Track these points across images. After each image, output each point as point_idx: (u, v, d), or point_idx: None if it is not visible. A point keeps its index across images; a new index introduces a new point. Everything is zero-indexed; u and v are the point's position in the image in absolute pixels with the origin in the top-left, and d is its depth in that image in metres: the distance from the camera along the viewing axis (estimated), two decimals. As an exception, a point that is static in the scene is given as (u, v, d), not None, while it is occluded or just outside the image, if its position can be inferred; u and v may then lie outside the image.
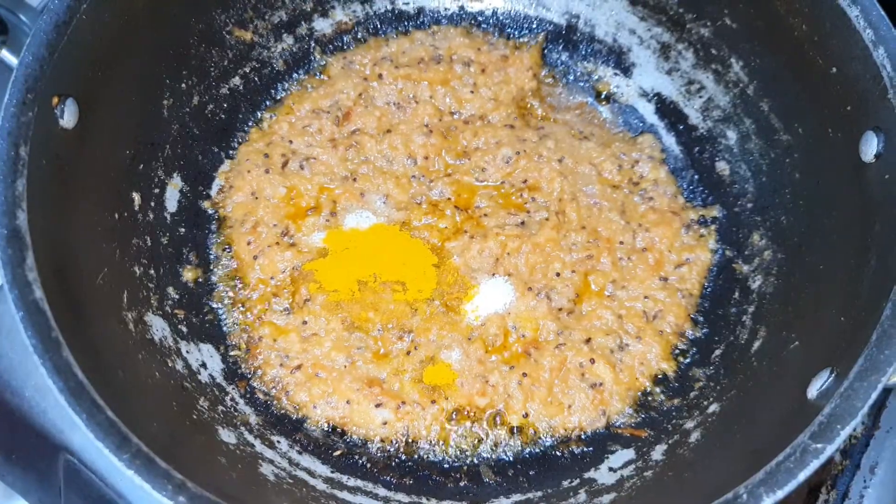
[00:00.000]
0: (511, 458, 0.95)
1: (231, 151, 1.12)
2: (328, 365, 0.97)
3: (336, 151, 1.11)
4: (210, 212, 1.07)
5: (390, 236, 1.06)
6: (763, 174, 1.04)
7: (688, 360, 1.01)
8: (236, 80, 1.12)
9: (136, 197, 0.95)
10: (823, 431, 0.66)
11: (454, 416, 0.96)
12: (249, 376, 0.98)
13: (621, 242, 1.06)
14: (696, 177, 1.13)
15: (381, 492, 0.89)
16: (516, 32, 1.23)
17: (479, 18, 1.23)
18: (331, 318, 1.00)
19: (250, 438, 0.89)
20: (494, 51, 1.18)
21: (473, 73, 1.17)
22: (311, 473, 0.88)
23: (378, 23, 1.21)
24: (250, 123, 1.14)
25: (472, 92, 1.15)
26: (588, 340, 0.99)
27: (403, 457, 0.94)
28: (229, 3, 1.08)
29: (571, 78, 1.22)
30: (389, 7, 1.21)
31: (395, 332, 1.00)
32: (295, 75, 1.18)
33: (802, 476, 0.65)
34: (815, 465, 0.65)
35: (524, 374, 0.97)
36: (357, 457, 0.93)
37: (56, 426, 0.99)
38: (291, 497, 0.83)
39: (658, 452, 0.92)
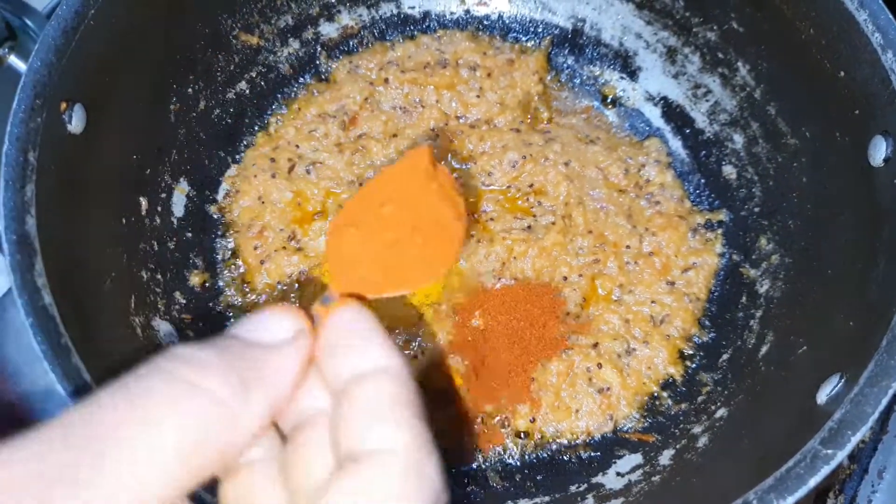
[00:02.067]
0: (518, 463, 0.95)
1: (237, 156, 1.12)
2: (335, 369, 0.97)
3: (342, 156, 1.11)
4: (216, 216, 1.08)
5: (397, 241, 1.06)
6: (770, 178, 1.04)
7: (695, 365, 1.01)
8: (243, 85, 1.12)
9: (143, 202, 0.95)
10: (833, 437, 0.66)
11: (460, 422, 0.96)
12: (256, 381, 0.98)
13: (628, 247, 1.06)
14: (703, 181, 1.13)
15: (389, 497, 0.89)
16: (522, 36, 1.23)
17: (485, 23, 1.23)
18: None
19: (257, 443, 0.89)
20: (500, 55, 1.18)
21: (479, 77, 1.17)
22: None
23: (384, 27, 1.22)
24: (257, 128, 1.14)
25: (477, 96, 1.15)
26: (595, 345, 0.99)
27: (410, 462, 0.94)
28: (236, 8, 1.08)
29: (577, 82, 1.22)
30: (395, 11, 1.21)
31: (402, 336, 1.00)
32: (301, 80, 1.18)
33: (813, 482, 0.64)
34: (825, 471, 0.65)
35: (531, 379, 0.97)
36: (364, 461, 0.93)
37: (63, 431, 0.99)
38: (299, 502, 0.82)
39: (666, 457, 0.91)
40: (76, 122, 0.78)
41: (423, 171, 0.47)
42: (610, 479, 0.91)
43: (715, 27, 1.07)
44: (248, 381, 0.40)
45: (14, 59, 0.88)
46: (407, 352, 0.99)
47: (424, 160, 0.48)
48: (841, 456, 0.65)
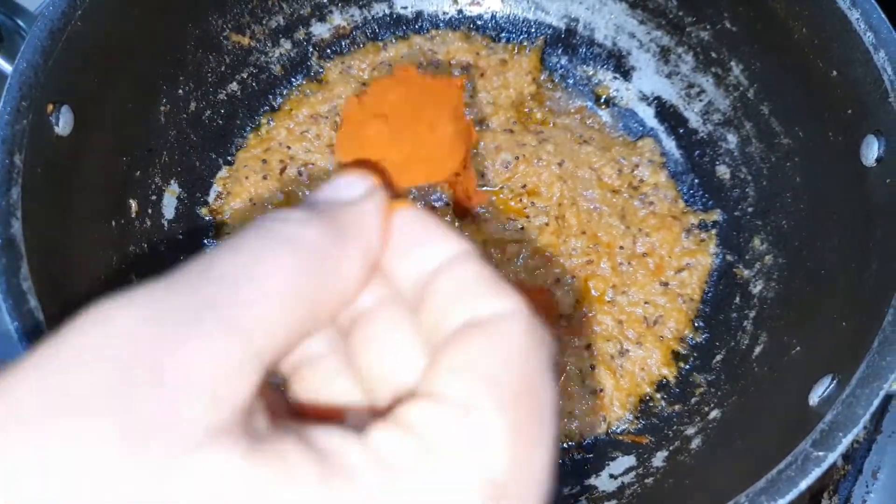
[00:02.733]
0: (511, 466, 0.94)
1: (229, 157, 1.11)
2: (327, 372, 0.97)
3: (335, 157, 1.10)
4: (208, 218, 1.07)
5: (389, 242, 1.05)
6: (764, 178, 1.03)
7: (688, 366, 1.00)
8: (234, 86, 1.12)
9: (133, 204, 0.95)
10: (825, 439, 0.66)
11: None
12: (247, 383, 0.97)
13: (621, 247, 1.06)
14: (697, 181, 1.12)
15: (380, 500, 0.88)
16: (515, 36, 1.22)
17: (478, 22, 1.22)
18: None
19: (248, 446, 0.88)
20: (493, 55, 1.18)
21: (472, 77, 1.16)
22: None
23: (376, 27, 1.21)
24: (248, 129, 1.14)
25: (470, 96, 1.15)
26: (588, 346, 0.99)
27: (402, 464, 0.93)
28: (226, 8, 1.07)
29: (571, 82, 1.21)
30: (387, 11, 1.21)
31: (394, 338, 0.99)
32: (293, 80, 1.18)
33: (804, 484, 0.64)
34: (816, 473, 0.64)
35: (524, 381, 0.96)
36: (356, 464, 0.92)
37: (54, 434, 0.98)
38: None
39: (659, 459, 0.91)
40: (63, 124, 0.78)
41: (453, 87, 0.52)
42: (603, 482, 0.91)
43: (708, 26, 1.06)
44: (342, 231, 0.40)
45: (0, 61, 0.88)
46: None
47: (458, 88, 0.55)
48: (832, 458, 0.64)
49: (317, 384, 0.43)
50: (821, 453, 0.65)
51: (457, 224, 1.07)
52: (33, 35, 0.76)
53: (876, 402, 0.65)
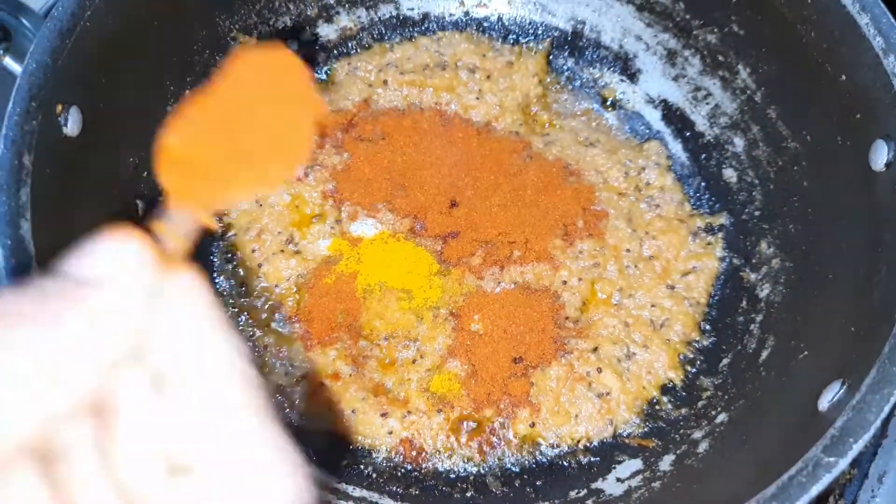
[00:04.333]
0: (517, 469, 0.94)
1: (235, 158, 1.11)
2: (333, 374, 0.97)
3: (341, 158, 1.10)
4: (214, 219, 1.07)
5: (395, 244, 1.05)
6: (771, 182, 1.03)
7: (695, 370, 1.00)
8: (240, 87, 1.12)
9: (141, 204, 0.95)
10: (835, 445, 0.65)
11: (460, 426, 0.95)
12: (254, 385, 0.97)
13: (628, 250, 1.05)
14: (703, 184, 1.12)
15: (387, 502, 0.88)
16: (522, 38, 1.22)
17: (485, 24, 1.22)
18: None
19: (255, 448, 0.88)
20: (500, 57, 1.18)
21: (478, 79, 1.16)
22: (315, 484, 0.88)
23: (383, 28, 1.21)
24: (254, 130, 1.14)
25: (477, 98, 1.15)
26: (595, 349, 0.98)
27: (409, 467, 0.93)
28: (234, 9, 1.07)
29: (577, 84, 1.21)
30: (394, 13, 1.21)
31: (401, 340, 0.99)
32: (299, 81, 1.17)
33: (815, 490, 0.64)
34: (827, 479, 0.64)
35: (531, 384, 0.96)
36: (362, 467, 0.92)
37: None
38: (296, 508, 0.82)
39: (666, 463, 0.91)
40: (72, 125, 0.78)
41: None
42: (610, 485, 0.91)
43: (715, 29, 1.06)
44: (70, 334, 0.35)
45: (9, 61, 0.88)
46: (406, 354, 0.98)
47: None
48: (843, 464, 0.64)
49: (66, 481, 0.36)
50: (832, 459, 0.65)
51: (463, 226, 1.06)
52: (42, 36, 0.75)
53: (887, 408, 0.65)
